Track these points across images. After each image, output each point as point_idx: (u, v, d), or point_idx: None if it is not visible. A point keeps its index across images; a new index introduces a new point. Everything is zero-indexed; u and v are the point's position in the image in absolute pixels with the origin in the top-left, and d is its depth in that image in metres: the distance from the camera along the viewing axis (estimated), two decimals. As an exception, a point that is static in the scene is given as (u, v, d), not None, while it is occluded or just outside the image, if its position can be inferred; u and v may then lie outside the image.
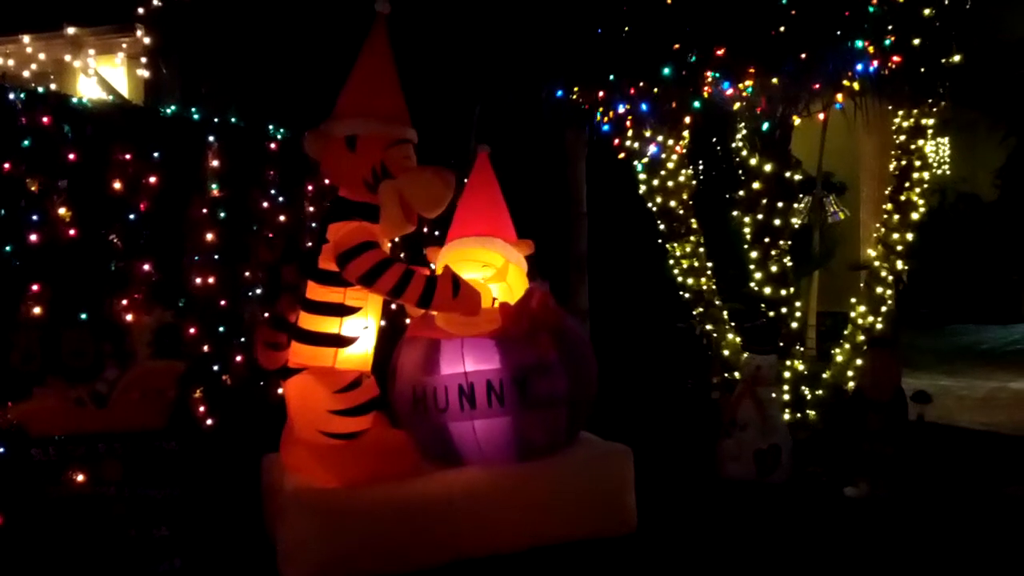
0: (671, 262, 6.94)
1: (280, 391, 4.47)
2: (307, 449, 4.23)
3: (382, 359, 4.83)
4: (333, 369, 4.23)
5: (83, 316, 4.30)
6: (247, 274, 5.46)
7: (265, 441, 4.59)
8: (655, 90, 5.79)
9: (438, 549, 4.18)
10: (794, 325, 6.35)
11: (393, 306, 6.55)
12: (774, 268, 6.28)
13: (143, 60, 8.60)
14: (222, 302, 5.24)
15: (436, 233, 6.29)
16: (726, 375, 6.57)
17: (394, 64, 4.36)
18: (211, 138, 5.25)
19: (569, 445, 4.64)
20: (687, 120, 6.20)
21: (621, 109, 6.11)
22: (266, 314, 4.86)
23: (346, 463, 4.18)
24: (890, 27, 5.41)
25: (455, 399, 4.30)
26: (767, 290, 6.28)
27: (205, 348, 5.09)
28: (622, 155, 6.81)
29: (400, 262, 4.18)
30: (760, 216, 6.28)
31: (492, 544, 4.28)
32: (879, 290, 6.41)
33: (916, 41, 5.49)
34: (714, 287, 6.83)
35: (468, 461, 4.42)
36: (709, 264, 6.86)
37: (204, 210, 5.17)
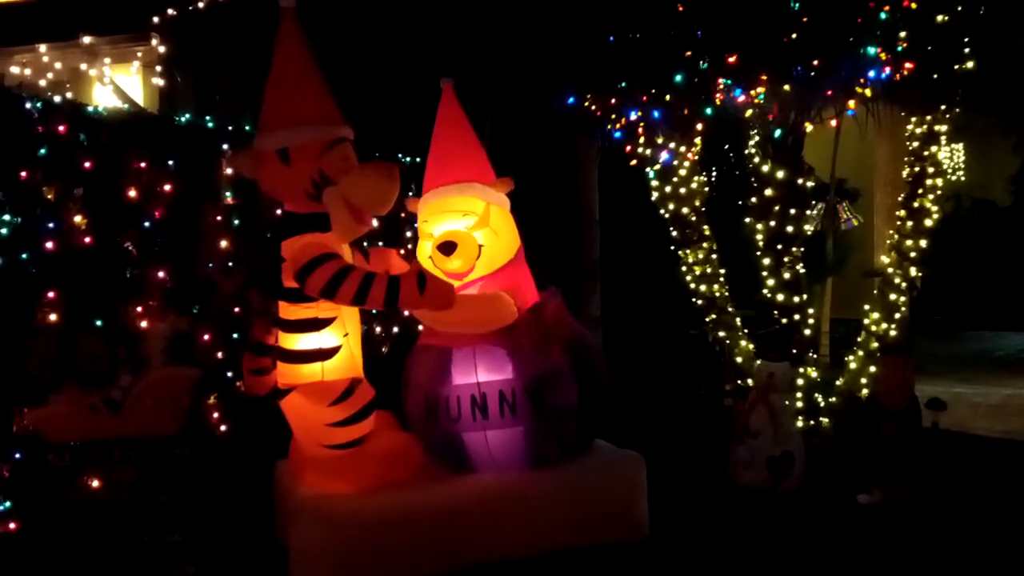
0: (683, 269, 6.93)
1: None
2: (314, 462, 4.23)
3: (392, 366, 4.84)
4: (323, 382, 4.16)
5: (98, 322, 4.33)
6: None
7: (278, 447, 4.61)
8: (667, 97, 5.79)
9: (450, 556, 4.18)
10: (807, 332, 6.33)
11: (406, 312, 6.57)
12: (787, 275, 6.27)
13: (158, 68, 8.67)
14: (236, 309, 5.26)
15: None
16: (739, 382, 6.55)
17: (312, 60, 4.17)
18: (225, 146, 5.28)
19: (582, 453, 4.64)
20: (699, 127, 6.20)
21: (633, 116, 6.12)
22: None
23: (354, 471, 4.18)
24: (903, 34, 5.41)
25: (467, 409, 4.29)
26: (780, 297, 6.26)
27: (219, 355, 5.12)
28: (634, 162, 6.82)
29: (359, 268, 4.04)
30: (773, 223, 6.27)
31: (504, 551, 4.28)
32: (893, 297, 6.39)
33: (929, 47, 5.48)
34: (727, 294, 6.82)
35: (481, 471, 4.42)
36: (722, 271, 6.85)
37: (218, 217, 5.20)
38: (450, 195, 4.48)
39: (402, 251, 4.80)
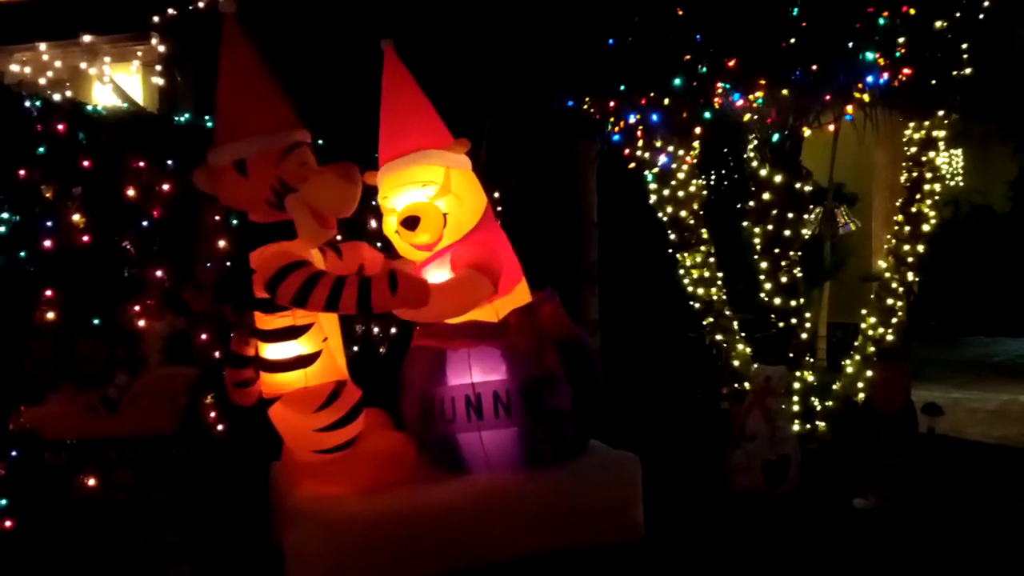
0: (681, 272, 6.93)
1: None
2: (307, 468, 4.23)
3: (389, 367, 4.83)
4: (307, 389, 4.12)
5: (96, 322, 4.33)
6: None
7: (274, 448, 4.61)
8: (666, 100, 5.80)
9: (446, 558, 4.19)
10: (804, 336, 6.34)
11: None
12: (784, 279, 6.27)
13: (158, 68, 8.66)
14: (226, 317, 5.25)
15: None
16: (735, 386, 6.56)
17: (259, 65, 4.08)
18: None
19: (577, 454, 4.64)
20: (697, 131, 6.20)
21: (632, 119, 6.12)
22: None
23: (350, 472, 4.18)
24: (901, 39, 5.41)
25: (462, 410, 4.29)
26: (777, 301, 6.27)
27: (216, 354, 5.11)
28: (632, 165, 6.81)
29: (329, 274, 3.97)
30: (770, 227, 6.28)
31: (499, 552, 4.29)
32: (890, 302, 6.39)
33: (927, 53, 5.49)
34: (724, 297, 6.82)
35: (475, 471, 4.42)
36: (719, 274, 6.86)
37: (217, 217, 5.20)
38: (407, 166, 4.34)
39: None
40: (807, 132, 6.13)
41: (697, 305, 6.90)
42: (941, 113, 6.18)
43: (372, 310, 3.95)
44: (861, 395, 6.22)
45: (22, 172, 4.23)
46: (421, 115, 4.43)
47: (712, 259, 6.85)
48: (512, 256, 4.58)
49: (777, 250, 6.27)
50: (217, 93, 4.08)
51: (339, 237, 4.42)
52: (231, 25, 4.04)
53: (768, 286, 6.31)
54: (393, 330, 6.46)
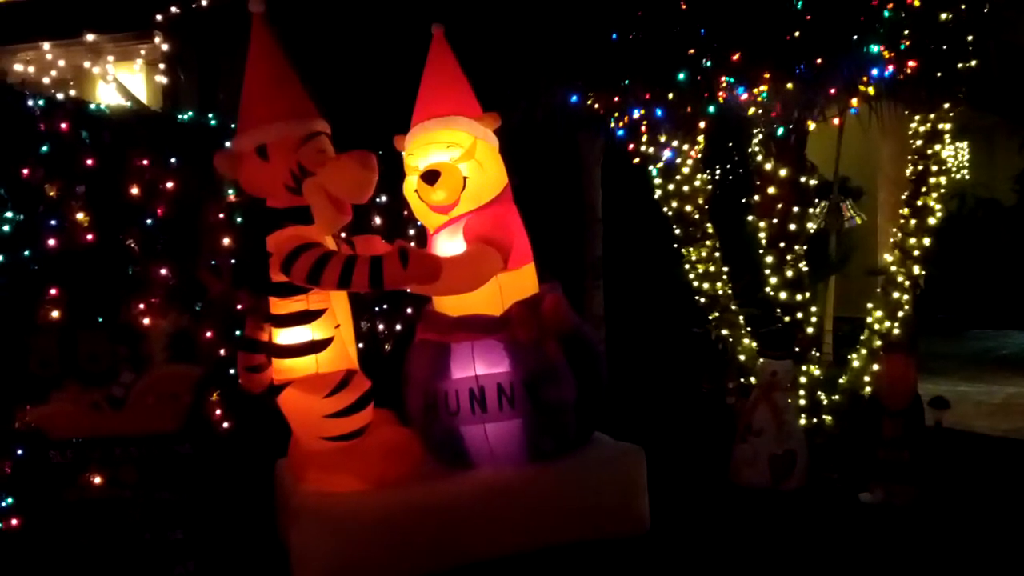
0: (686, 267, 6.92)
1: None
2: (316, 459, 4.24)
3: (395, 364, 4.83)
4: (318, 375, 4.20)
5: (100, 320, 4.33)
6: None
7: (280, 446, 4.62)
8: (670, 95, 5.78)
9: (451, 552, 4.20)
10: (810, 330, 6.32)
11: (409, 310, 6.57)
12: (790, 273, 6.25)
13: (161, 66, 8.67)
14: (239, 306, 5.26)
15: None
16: (742, 380, 6.54)
17: (284, 59, 4.27)
18: (228, 144, 5.28)
19: (581, 446, 4.64)
20: (702, 125, 6.18)
21: (636, 114, 6.10)
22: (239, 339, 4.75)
23: (357, 466, 4.19)
24: (906, 32, 5.38)
25: (466, 402, 4.31)
26: (783, 295, 6.25)
27: (221, 352, 5.12)
28: (637, 160, 6.80)
29: (340, 253, 4.09)
30: (776, 221, 6.25)
31: (504, 546, 4.30)
32: (896, 295, 6.37)
33: (932, 45, 5.46)
34: (730, 292, 6.80)
35: (479, 464, 4.43)
36: (725, 269, 6.83)
37: (221, 215, 5.19)
38: (436, 128, 4.46)
39: (412, 244, 4.78)
40: (812, 126, 6.10)
41: (703, 300, 6.87)
42: (947, 106, 6.14)
43: (384, 286, 4.00)
44: (867, 389, 6.20)
45: (26, 171, 4.23)
46: (457, 86, 4.60)
47: (717, 253, 6.83)
48: (524, 236, 4.61)
49: (782, 244, 6.25)
50: (243, 84, 4.24)
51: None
52: (259, 23, 4.23)
53: (774, 280, 6.29)
54: (398, 327, 6.47)
